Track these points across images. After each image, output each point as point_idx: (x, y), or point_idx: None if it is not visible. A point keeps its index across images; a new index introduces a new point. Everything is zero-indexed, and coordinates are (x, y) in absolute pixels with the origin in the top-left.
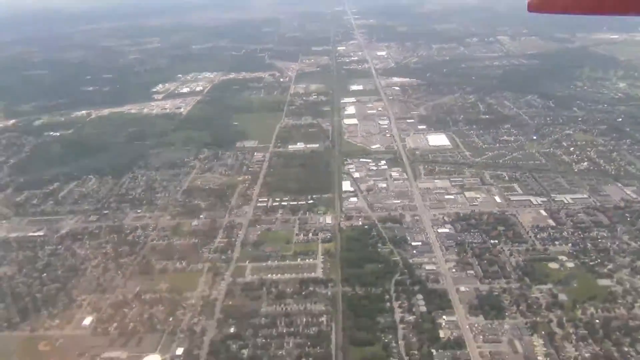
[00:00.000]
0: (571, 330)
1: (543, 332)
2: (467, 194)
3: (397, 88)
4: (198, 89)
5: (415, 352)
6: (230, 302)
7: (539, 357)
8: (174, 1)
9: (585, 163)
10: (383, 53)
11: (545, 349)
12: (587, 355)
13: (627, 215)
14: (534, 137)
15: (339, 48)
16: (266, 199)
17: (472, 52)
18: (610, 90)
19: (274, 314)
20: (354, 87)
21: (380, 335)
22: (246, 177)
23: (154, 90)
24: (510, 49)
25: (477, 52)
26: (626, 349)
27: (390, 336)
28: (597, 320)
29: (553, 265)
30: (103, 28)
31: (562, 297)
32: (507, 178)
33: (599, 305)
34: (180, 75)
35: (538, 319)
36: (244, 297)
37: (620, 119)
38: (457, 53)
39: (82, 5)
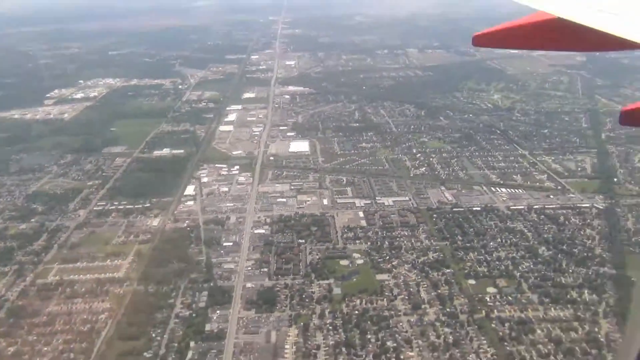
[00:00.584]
0: (328, 321)
1: (302, 324)
2: (300, 197)
3: (287, 97)
4: (93, 95)
5: (175, 344)
6: (20, 303)
7: (286, 346)
8: (113, 5)
9: (423, 168)
10: (292, 62)
11: (297, 338)
12: (331, 342)
13: (434, 216)
14: (388, 144)
15: (252, 57)
16: (104, 203)
17: (376, 64)
18: (482, 101)
19: (57, 313)
20: (247, 95)
21: (149, 330)
22: (96, 182)
23: (48, 95)
24: (412, 61)
25: (380, 64)
26: (369, 336)
27: (159, 330)
28: (357, 311)
29: (344, 262)
30: (29, 32)
31: (337, 291)
32: (344, 182)
33: (365, 298)
34: (81, 81)
35: (303, 311)
36: (35, 297)
37: (476, 128)
38: (363, 64)
39: (22, 9)
